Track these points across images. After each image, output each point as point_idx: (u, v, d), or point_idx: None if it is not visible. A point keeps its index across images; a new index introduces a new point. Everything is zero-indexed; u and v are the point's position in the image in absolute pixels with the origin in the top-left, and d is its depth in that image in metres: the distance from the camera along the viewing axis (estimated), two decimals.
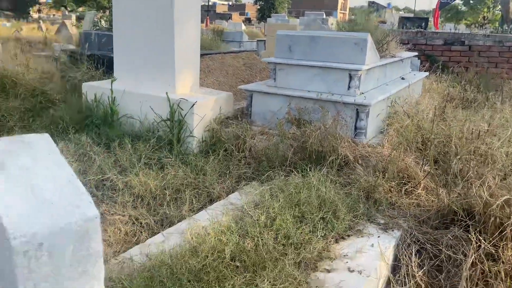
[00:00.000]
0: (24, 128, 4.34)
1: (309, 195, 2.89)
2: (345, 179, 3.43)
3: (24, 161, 1.20)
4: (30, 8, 49.99)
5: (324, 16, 22.83)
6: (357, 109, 3.98)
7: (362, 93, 4.21)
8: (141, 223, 2.88)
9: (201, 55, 5.12)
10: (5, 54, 6.88)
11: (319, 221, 2.71)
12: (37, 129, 4.23)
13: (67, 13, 41.61)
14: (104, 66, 5.63)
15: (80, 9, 40.98)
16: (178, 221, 2.94)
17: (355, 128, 4.04)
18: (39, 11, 51.61)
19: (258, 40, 14.02)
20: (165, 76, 4.33)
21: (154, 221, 2.96)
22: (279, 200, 2.82)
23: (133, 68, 4.54)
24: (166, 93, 4.15)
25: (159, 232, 2.76)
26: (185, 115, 4.10)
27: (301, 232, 2.56)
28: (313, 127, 3.70)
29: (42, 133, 1.32)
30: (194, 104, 4.06)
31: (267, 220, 2.62)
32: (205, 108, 4.26)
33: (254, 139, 3.99)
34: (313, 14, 25.53)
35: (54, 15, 50.82)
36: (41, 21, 33.58)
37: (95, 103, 4.52)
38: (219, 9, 67.81)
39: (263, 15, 47.98)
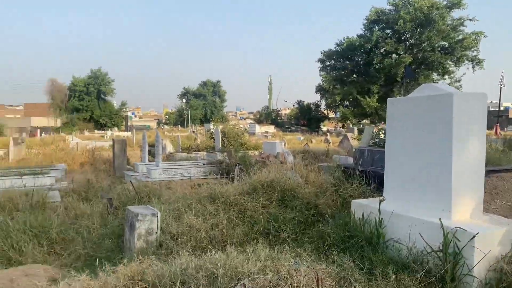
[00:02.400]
0: (294, 240, 4.59)
1: None
2: None
3: None
4: (321, 123, 58.22)
5: None
6: None
7: None
8: None
9: (486, 172, 4.35)
10: (295, 166, 7.88)
11: None
12: (305, 243, 4.38)
13: (351, 126, 46.13)
14: (375, 183, 5.56)
15: (365, 121, 44.59)
16: None
17: None
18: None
19: None
20: (439, 200, 3.82)
21: None
22: None
23: (403, 189, 4.23)
24: (439, 219, 3.60)
25: None
26: (463, 248, 3.40)
27: None
28: None
29: None
30: (474, 236, 3.34)
31: None
32: (490, 241, 3.44)
33: None
34: None
35: (340, 128, 57.32)
36: (328, 134, 38.33)
37: (362, 223, 4.39)
38: None
39: None
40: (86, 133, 37.23)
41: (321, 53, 50.02)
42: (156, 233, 4.70)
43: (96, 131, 42.37)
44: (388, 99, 4.57)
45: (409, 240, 3.87)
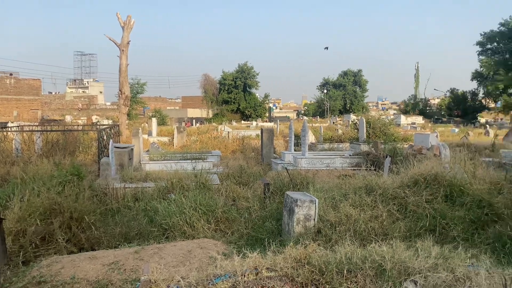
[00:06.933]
0: (465, 240, 4.17)
1: None
2: None
3: None
4: (478, 114, 51.96)
5: None
6: None
7: None
8: None
9: None
10: (452, 160, 7.17)
11: None
12: (480, 244, 3.94)
13: None
14: None
15: None
16: None
17: None
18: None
19: None
20: None
21: None
22: None
23: None
24: None
25: None
26: None
27: None
28: None
29: None
30: None
31: None
32: None
33: None
34: None
35: (501, 119, 50.25)
36: (487, 126, 33.98)
37: None
38: None
39: None
40: (234, 123, 39.99)
41: (481, 35, 44.50)
42: (314, 219, 4.77)
43: (242, 122, 45.17)
44: None
45: None
